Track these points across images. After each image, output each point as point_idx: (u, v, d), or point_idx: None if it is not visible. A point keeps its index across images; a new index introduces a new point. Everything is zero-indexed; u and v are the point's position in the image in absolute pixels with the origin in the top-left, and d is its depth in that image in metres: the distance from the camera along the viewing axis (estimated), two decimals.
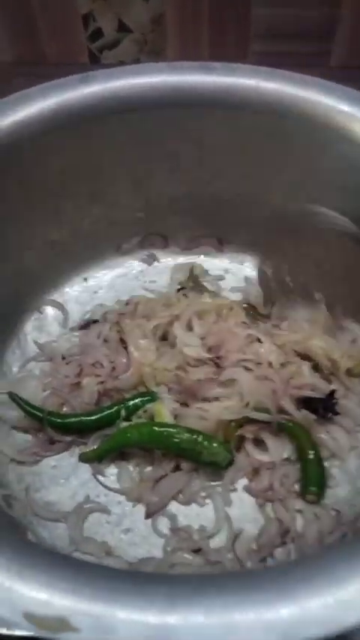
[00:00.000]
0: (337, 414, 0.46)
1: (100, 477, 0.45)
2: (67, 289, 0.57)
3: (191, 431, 0.43)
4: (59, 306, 0.55)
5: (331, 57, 0.66)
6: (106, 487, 0.45)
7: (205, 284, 0.57)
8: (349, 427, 0.46)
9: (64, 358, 0.51)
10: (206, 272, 0.58)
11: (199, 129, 0.50)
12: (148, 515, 0.43)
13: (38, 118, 0.46)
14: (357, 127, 0.46)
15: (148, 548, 0.42)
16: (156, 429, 0.44)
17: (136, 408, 0.46)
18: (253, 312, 0.53)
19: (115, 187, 0.53)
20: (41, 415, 0.46)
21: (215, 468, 0.44)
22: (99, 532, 0.43)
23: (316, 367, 0.48)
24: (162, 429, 0.44)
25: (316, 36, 0.64)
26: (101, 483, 0.45)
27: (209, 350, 0.48)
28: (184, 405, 0.46)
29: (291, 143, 0.49)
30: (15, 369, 0.52)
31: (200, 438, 0.43)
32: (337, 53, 0.65)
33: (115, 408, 0.46)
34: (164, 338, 0.50)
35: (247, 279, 0.57)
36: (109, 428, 0.46)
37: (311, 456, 0.43)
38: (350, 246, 0.49)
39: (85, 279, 0.58)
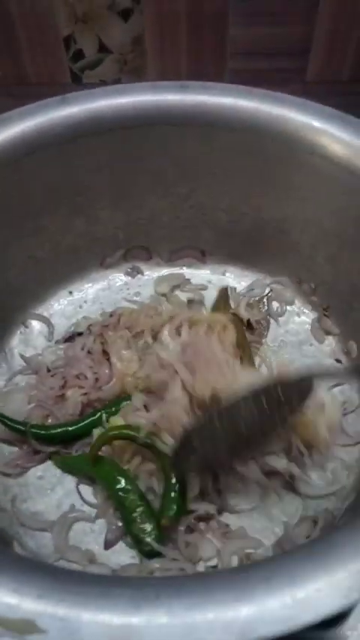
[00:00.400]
0: None
1: (83, 488, 0.46)
2: (52, 303, 0.58)
3: (142, 497, 0.43)
4: (45, 320, 0.57)
5: (307, 73, 0.68)
6: (83, 499, 0.46)
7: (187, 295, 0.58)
8: None
9: (49, 371, 0.52)
10: (189, 282, 0.60)
11: (177, 146, 0.52)
12: (106, 546, 0.43)
13: (20, 139, 0.48)
14: (327, 141, 0.48)
15: (131, 554, 0.43)
16: (113, 474, 0.43)
17: (116, 413, 0.47)
18: (239, 326, 0.54)
19: (96, 203, 0.54)
20: (24, 429, 0.47)
21: (136, 545, 0.42)
22: (84, 540, 0.44)
23: None
24: (118, 477, 0.43)
25: (291, 53, 0.66)
26: (80, 495, 0.46)
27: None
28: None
29: (266, 158, 0.51)
30: (2, 383, 0.53)
31: (141, 509, 0.42)
32: (312, 69, 0.67)
33: (98, 414, 0.48)
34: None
35: (229, 289, 0.59)
36: (90, 436, 0.47)
37: (172, 480, 0.42)
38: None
39: (71, 293, 0.59)
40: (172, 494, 0.42)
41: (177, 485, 0.42)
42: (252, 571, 0.25)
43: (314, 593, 0.23)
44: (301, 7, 0.62)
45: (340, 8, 0.62)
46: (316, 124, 0.49)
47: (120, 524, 0.44)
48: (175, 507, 0.42)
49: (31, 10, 0.61)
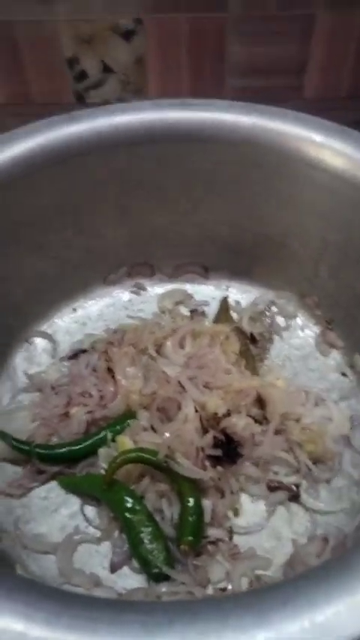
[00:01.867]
0: (239, 456, 0.45)
1: (87, 509, 0.45)
2: (56, 320, 0.58)
3: (150, 518, 0.42)
4: (48, 337, 0.56)
5: (305, 89, 0.69)
6: (87, 521, 0.45)
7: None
8: None
9: (53, 388, 0.52)
10: (192, 298, 0.60)
11: (179, 162, 0.52)
12: (112, 569, 0.42)
13: (25, 157, 0.48)
14: (328, 155, 0.48)
15: (137, 579, 0.42)
16: (120, 494, 0.42)
17: (121, 431, 0.46)
18: (242, 337, 0.54)
19: (99, 220, 0.55)
20: (28, 449, 0.46)
21: (144, 568, 0.41)
22: (88, 563, 0.43)
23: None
24: (125, 497, 0.42)
25: (289, 71, 0.67)
26: (85, 517, 0.45)
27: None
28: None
29: (267, 174, 0.51)
30: (5, 401, 0.52)
31: (149, 530, 0.40)
32: (311, 86, 0.68)
33: (102, 433, 0.47)
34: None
35: (232, 305, 0.59)
36: (95, 455, 0.46)
37: (190, 503, 0.41)
38: None
39: (74, 310, 0.59)
40: (190, 518, 0.41)
41: (195, 509, 0.41)
42: (268, 594, 0.24)
43: (334, 616, 0.23)
44: (298, 25, 0.63)
45: (337, 26, 0.64)
46: (317, 137, 0.49)
47: (126, 546, 0.43)
48: (195, 532, 0.41)
49: (36, 32, 0.62)
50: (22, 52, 0.64)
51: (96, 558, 0.43)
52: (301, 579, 0.25)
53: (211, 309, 0.58)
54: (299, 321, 0.58)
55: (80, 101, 0.68)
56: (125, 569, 0.42)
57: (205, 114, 0.51)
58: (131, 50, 0.64)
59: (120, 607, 0.24)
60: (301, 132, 0.50)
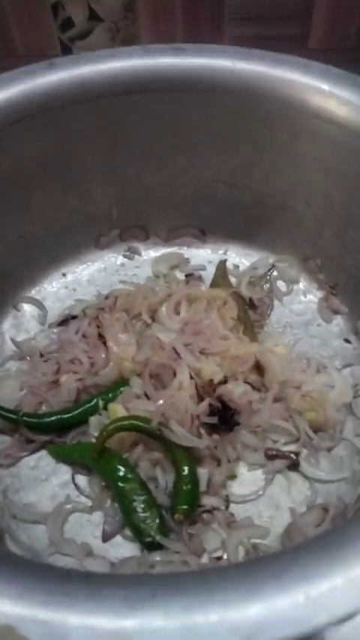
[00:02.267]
0: (236, 424, 0.43)
1: (79, 478, 0.44)
2: (45, 285, 0.55)
3: (143, 486, 0.40)
4: (37, 303, 0.54)
5: (309, 39, 0.64)
6: (79, 490, 0.43)
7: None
8: None
9: (42, 356, 0.50)
10: (188, 262, 0.57)
11: (172, 113, 0.49)
12: (104, 539, 0.41)
13: (4, 105, 0.45)
14: (333, 104, 0.45)
15: (130, 548, 0.41)
16: (113, 463, 0.41)
17: (114, 399, 0.44)
18: (241, 302, 0.51)
19: (87, 177, 0.51)
20: (16, 418, 0.44)
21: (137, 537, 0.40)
22: (80, 533, 0.42)
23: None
24: (118, 466, 0.41)
25: (293, 18, 0.62)
26: (76, 486, 0.44)
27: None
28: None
29: (267, 125, 0.48)
30: None
31: (142, 498, 0.39)
32: (315, 35, 0.64)
33: (94, 401, 0.45)
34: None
35: (230, 269, 0.56)
36: (86, 424, 0.45)
37: (185, 472, 0.40)
38: None
39: (64, 275, 0.56)
40: (185, 487, 0.40)
41: (190, 477, 0.40)
42: (260, 566, 0.22)
43: (329, 591, 0.21)
44: None
45: None
46: (322, 85, 0.45)
47: (118, 516, 0.41)
48: (189, 501, 0.40)
49: None
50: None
51: (87, 528, 0.42)
52: (297, 551, 0.23)
53: (208, 274, 0.56)
54: (301, 285, 0.55)
55: (66, 52, 0.64)
56: (118, 539, 0.41)
57: (199, 60, 0.48)
58: None
59: (100, 581, 0.22)
60: (305, 79, 0.46)
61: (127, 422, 0.42)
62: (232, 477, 0.43)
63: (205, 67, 0.47)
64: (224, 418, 0.43)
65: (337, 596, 0.21)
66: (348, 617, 0.20)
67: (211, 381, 0.43)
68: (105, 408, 0.45)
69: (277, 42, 0.64)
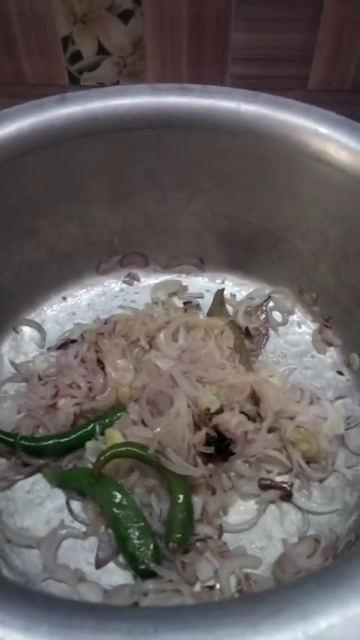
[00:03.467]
0: (231, 454, 0.44)
1: (73, 503, 0.44)
2: (45, 308, 0.56)
3: (139, 513, 0.40)
4: (36, 326, 0.55)
5: (309, 80, 0.67)
6: (73, 515, 0.44)
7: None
8: None
9: (40, 379, 0.50)
10: (186, 290, 0.58)
11: (177, 150, 0.51)
12: (97, 565, 0.41)
13: (16, 137, 0.46)
14: (333, 148, 0.47)
15: (123, 575, 0.41)
16: (109, 489, 0.41)
17: (110, 424, 0.45)
18: (237, 331, 0.53)
19: (92, 207, 0.53)
20: (13, 441, 0.45)
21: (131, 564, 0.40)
22: (74, 558, 0.42)
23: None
24: (114, 492, 0.41)
25: (294, 60, 0.65)
26: (71, 511, 0.44)
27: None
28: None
29: (268, 165, 0.50)
30: None
31: (137, 526, 0.39)
32: (314, 77, 0.67)
33: (91, 426, 0.45)
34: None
35: (227, 298, 0.57)
36: (82, 448, 0.45)
37: (180, 500, 0.40)
38: None
39: (64, 299, 0.57)
40: (179, 515, 0.40)
41: (185, 506, 0.40)
42: (259, 603, 0.23)
43: (327, 629, 0.21)
44: (305, 13, 0.61)
45: (344, 16, 0.62)
46: (322, 130, 0.48)
47: (112, 542, 0.42)
48: (184, 530, 0.40)
49: (30, 9, 0.59)
50: (15, 29, 0.61)
51: (81, 553, 0.42)
52: (294, 587, 0.24)
53: (206, 302, 0.57)
54: (296, 317, 0.57)
55: (74, 83, 0.66)
56: (111, 565, 0.41)
57: (205, 100, 0.49)
58: (129, 32, 0.62)
59: (104, 613, 0.23)
60: (306, 123, 0.48)
61: (124, 448, 0.42)
62: (225, 509, 0.44)
63: (210, 108, 0.49)
64: (220, 448, 0.44)
65: (335, 636, 0.21)
66: None
67: (208, 409, 0.44)
68: (102, 433, 0.45)
69: (277, 81, 0.67)
